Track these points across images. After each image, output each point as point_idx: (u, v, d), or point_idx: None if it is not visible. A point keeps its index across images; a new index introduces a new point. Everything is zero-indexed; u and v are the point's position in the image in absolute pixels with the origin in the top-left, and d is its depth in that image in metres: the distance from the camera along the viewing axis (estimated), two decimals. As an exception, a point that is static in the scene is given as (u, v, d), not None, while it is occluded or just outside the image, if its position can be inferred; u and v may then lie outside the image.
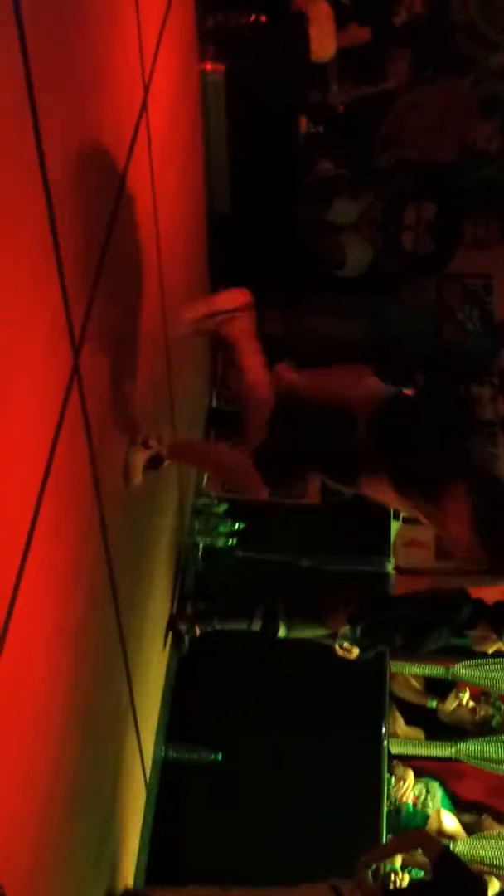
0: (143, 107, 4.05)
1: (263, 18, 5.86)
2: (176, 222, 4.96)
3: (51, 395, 2.92)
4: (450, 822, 5.68)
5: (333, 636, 5.20)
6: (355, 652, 5.18)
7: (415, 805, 5.77)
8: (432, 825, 5.65)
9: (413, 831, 4.91)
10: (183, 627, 5.26)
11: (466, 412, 6.86)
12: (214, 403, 6.54)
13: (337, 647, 5.17)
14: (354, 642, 5.17)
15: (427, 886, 4.43)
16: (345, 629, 5.20)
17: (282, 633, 5.27)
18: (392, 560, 6.24)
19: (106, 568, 3.75)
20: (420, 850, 4.56)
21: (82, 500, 3.36)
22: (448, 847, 4.63)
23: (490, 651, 5.28)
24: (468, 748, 5.82)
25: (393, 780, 5.70)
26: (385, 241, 7.06)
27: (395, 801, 5.79)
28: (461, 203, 7.25)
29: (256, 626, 5.27)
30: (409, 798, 5.76)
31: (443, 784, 5.95)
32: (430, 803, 5.73)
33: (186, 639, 5.28)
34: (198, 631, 5.29)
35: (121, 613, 4.03)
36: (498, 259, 7.68)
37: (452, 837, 5.65)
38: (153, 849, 4.90)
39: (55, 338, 2.92)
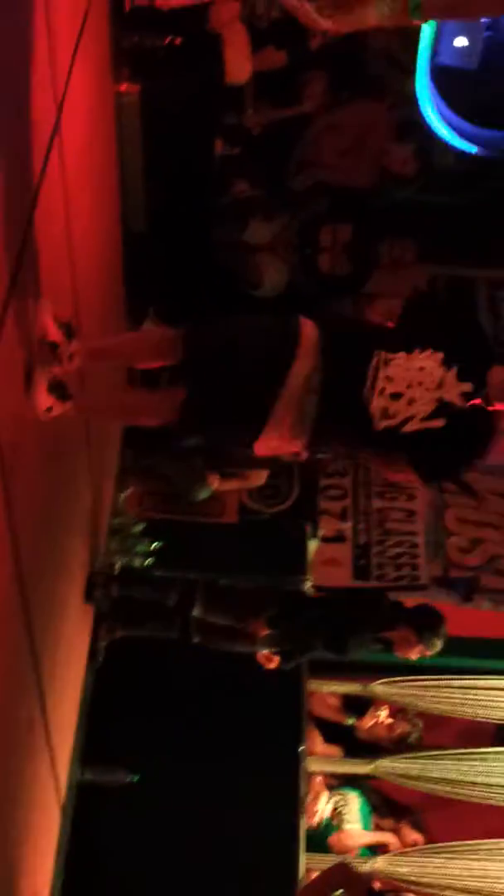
0: (56, 127, 4.05)
1: (179, 40, 5.88)
2: (91, 242, 4.95)
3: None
4: (360, 839, 5.72)
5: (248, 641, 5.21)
6: (276, 661, 5.18)
7: (332, 818, 5.81)
8: (342, 843, 5.70)
9: (336, 868, 4.91)
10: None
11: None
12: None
13: (258, 654, 5.18)
14: (275, 650, 5.16)
15: None
16: (264, 633, 5.20)
17: (196, 611, 5.31)
18: (310, 578, 6.27)
19: (16, 586, 3.72)
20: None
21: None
22: (371, 888, 4.73)
23: (414, 657, 5.29)
24: (386, 765, 5.86)
25: (308, 797, 5.72)
26: (301, 262, 7.12)
27: (318, 818, 5.83)
28: (377, 225, 7.33)
29: (171, 600, 5.34)
30: (325, 813, 5.79)
31: (362, 790, 5.99)
32: (345, 816, 5.77)
33: (102, 645, 5.23)
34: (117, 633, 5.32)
35: (34, 634, 4.00)
36: (414, 280, 7.78)
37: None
38: (68, 873, 4.86)
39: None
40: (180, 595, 5.35)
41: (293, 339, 3.73)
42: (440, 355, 3.64)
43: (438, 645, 5.09)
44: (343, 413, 3.71)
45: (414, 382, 3.61)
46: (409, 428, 3.62)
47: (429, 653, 5.13)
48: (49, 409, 3.65)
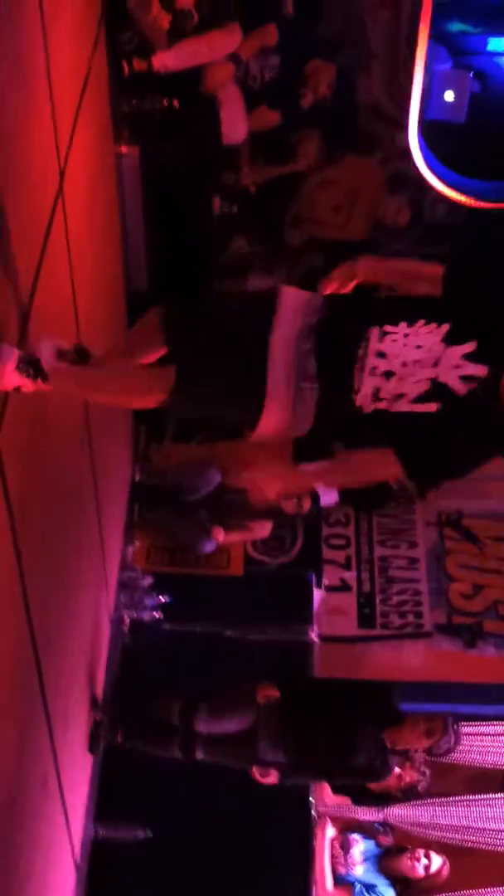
0: (59, 191, 4.15)
1: (176, 103, 6.00)
2: (95, 302, 5.04)
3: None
4: None
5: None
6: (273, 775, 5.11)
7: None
8: None
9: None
10: (102, 733, 5.19)
11: (384, 482, 6.98)
12: (137, 477, 6.59)
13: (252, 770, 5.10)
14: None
15: None
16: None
17: (200, 724, 5.16)
18: (315, 628, 6.31)
19: (30, 643, 3.76)
20: None
21: (4, 577, 3.38)
22: None
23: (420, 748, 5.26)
24: (396, 812, 5.86)
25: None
26: (300, 317, 7.21)
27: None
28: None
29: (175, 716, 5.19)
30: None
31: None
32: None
33: (102, 743, 5.22)
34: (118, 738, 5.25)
35: (47, 694, 4.03)
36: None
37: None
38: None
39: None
40: (182, 709, 5.21)
41: (269, 307, 3.38)
42: (445, 328, 3.21)
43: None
44: (335, 398, 3.28)
45: (409, 360, 3.20)
46: (398, 407, 3.22)
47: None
48: (18, 389, 3.30)
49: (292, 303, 3.46)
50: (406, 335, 3.23)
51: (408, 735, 4.87)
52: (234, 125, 6.51)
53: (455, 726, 5.08)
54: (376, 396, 3.21)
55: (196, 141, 6.18)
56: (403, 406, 3.21)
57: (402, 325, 3.24)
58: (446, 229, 8.10)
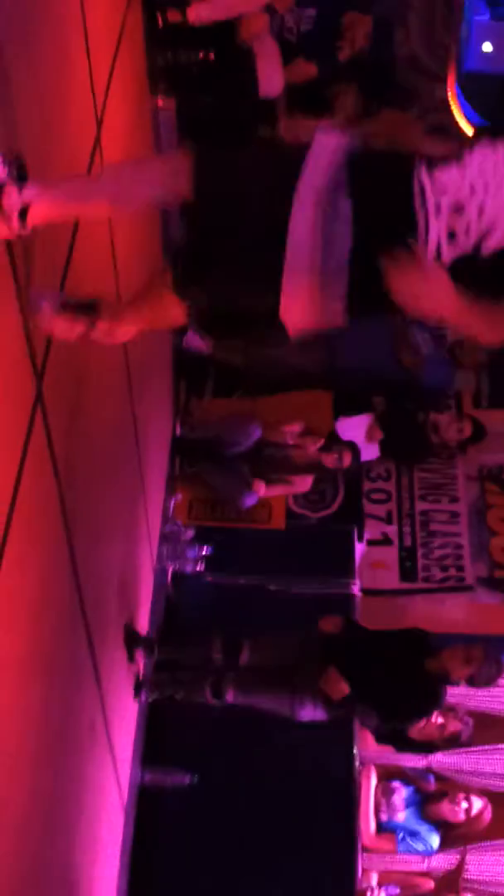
0: (97, 142, 4.16)
1: (212, 55, 5.99)
2: (133, 254, 5.05)
3: (15, 421, 2.99)
4: None
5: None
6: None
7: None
8: None
9: None
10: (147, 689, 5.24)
11: (426, 437, 6.98)
12: (178, 432, 6.63)
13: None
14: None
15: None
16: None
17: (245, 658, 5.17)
18: (357, 581, 6.34)
19: (76, 595, 3.81)
20: None
21: (50, 529, 3.42)
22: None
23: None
24: (440, 759, 5.90)
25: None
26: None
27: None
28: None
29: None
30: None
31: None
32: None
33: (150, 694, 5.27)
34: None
35: (93, 641, 4.09)
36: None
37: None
38: (132, 875, 4.94)
39: (17, 365, 3.00)
40: (224, 643, 5.23)
41: (299, 153, 2.73)
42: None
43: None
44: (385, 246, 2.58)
45: (479, 183, 2.56)
46: (490, 245, 2.56)
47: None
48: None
49: (327, 144, 2.80)
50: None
51: (447, 663, 4.83)
52: (271, 78, 6.49)
53: (498, 656, 5.05)
54: (452, 239, 2.59)
55: (232, 94, 6.17)
56: (497, 240, 2.57)
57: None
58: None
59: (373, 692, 4.85)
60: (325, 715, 4.91)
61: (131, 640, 5.00)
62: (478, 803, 5.88)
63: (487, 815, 5.88)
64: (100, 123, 4.24)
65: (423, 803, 5.94)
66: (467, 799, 5.88)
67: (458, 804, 5.87)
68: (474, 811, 5.86)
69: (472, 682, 4.94)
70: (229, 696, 5.04)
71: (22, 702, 3.09)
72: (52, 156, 3.47)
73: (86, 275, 3.87)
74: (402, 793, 5.90)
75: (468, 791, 5.93)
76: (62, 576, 3.62)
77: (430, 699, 4.95)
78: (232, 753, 5.43)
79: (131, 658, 5.00)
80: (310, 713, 4.91)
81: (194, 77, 5.90)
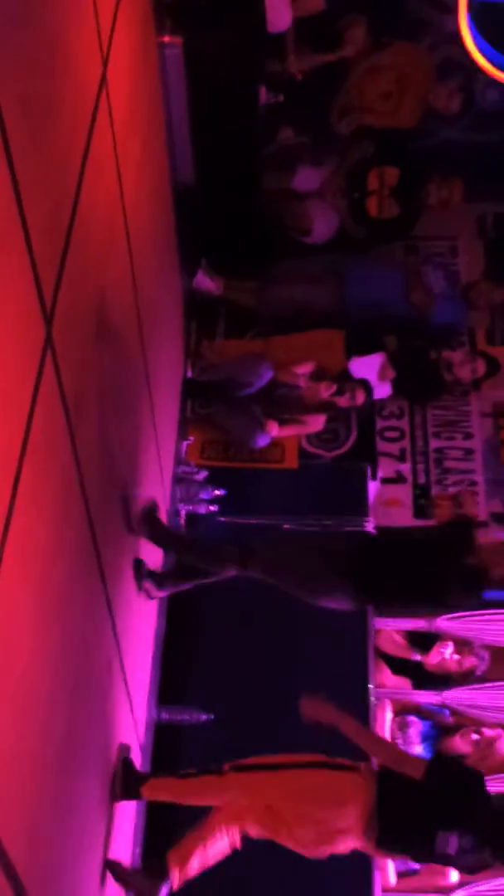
0: (103, 80, 4.11)
1: (218, -10, 5.91)
2: (141, 193, 5.02)
3: (25, 365, 2.99)
4: None
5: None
6: None
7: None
8: None
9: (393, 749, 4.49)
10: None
11: (439, 375, 6.97)
12: (189, 374, 6.62)
13: None
14: None
15: (423, 794, 4.09)
16: None
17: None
18: (371, 519, 6.35)
19: (90, 536, 3.83)
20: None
21: (62, 471, 3.43)
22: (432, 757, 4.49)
23: None
24: (455, 695, 5.95)
25: None
26: (350, 207, 7.15)
27: None
28: (424, 166, 7.33)
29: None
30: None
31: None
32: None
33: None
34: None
35: (106, 580, 4.12)
36: (462, 220, 7.78)
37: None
38: (150, 817, 5.01)
39: (26, 309, 3.00)
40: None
41: None
42: None
43: None
44: None
45: None
46: None
47: None
48: None
49: None
50: None
51: (489, 557, 4.61)
52: (279, 12, 6.41)
53: None
54: None
55: (240, 28, 6.07)
56: None
57: None
58: (498, 115, 7.93)
59: (409, 586, 4.72)
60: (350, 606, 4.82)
61: (140, 572, 4.95)
62: (491, 735, 5.94)
63: (501, 747, 5.94)
64: (105, 61, 4.18)
65: (439, 738, 6.00)
66: (478, 731, 5.94)
67: (469, 736, 5.93)
68: (486, 742, 5.92)
69: None
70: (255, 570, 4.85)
71: (38, 641, 3.12)
72: (59, 94, 3.44)
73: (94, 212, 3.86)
74: (417, 726, 5.96)
75: (482, 724, 5.98)
76: (75, 516, 3.64)
77: (469, 594, 4.73)
78: (246, 692, 5.49)
79: (140, 587, 4.93)
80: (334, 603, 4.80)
81: (202, 12, 5.81)
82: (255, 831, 4.20)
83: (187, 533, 5.54)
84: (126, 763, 4.39)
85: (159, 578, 5.04)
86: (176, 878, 4.17)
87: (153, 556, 5.15)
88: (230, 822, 4.17)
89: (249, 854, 4.30)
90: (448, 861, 4.14)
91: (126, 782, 4.33)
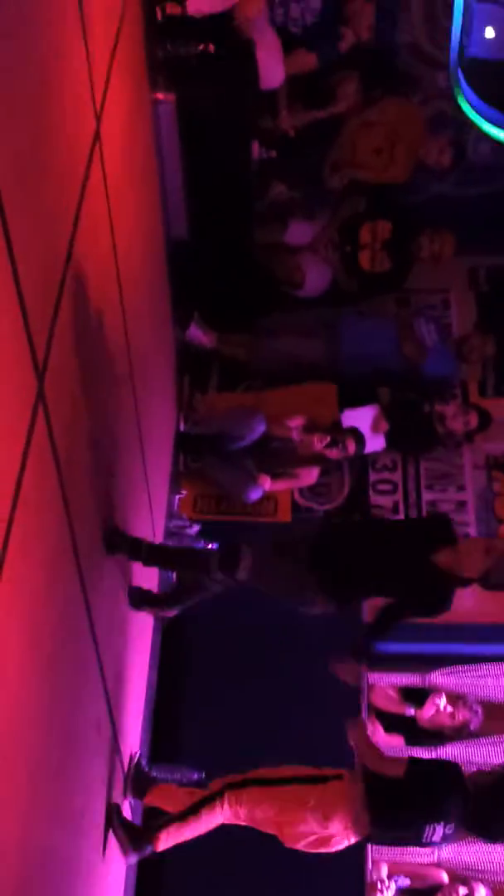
0: (97, 136, 4.14)
1: (212, 47, 5.95)
2: (134, 247, 5.04)
3: (16, 419, 2.97)
4: None
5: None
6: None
7: None
8: None
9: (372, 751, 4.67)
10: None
11: (432, 427, 6.95)
12: (182, 427, 6.61)
13: None
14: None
15: (405, 792, 4.41)
16: None
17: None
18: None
19: (80, 593, 3.80)
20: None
21: (53, 526, 3.41)
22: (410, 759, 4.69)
23: None
24: (449, 752, 5.88)
25: None
26: (342, 261, 7.18)
27: None
28: (416, 219, 7.37)
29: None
30: None
31: None
32: None
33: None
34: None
35: (98, 640, 4.08)
36: (454, 273, 7.82)
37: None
38: (139, 883, 4.94)
39: (18, 363, 2.98)
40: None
41: None
42: None
43: None
44: None
45: None
46: None
47: None
48: None
49: None
50: None
51: (464, 557, 4.51)
52: (272, 69, 6.46)
53: None
54: None
55: (233, 85, 6.13)
56: None
57: None
58: (490, 169, 8.00)
59: (381, 585, 4.67)
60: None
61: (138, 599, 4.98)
62: None
63: None
64: (99, 117, 4.21)
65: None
66: None
67: None
68: None
69: (486, 580, 4.56)
70: (242, 572, 4.71)
71: (26, 698, 3.08)
72: (52, 150, 3.45)
73: (87, 267, 3.86)
74: None
75: None
76: (65, 571, 3.61)
77: (438, 597, 4.62)
78: (239, 753, 5.42)
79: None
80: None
81: (194, 69, 5.86)
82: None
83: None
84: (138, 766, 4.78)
85: (162, 601, 5.08)
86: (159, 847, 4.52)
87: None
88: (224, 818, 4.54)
89: (242, 848, 4.71)
90: (434, 846, 4.64)
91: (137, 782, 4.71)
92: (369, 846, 5.42)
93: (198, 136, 5.97)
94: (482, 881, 5.66)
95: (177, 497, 6.32)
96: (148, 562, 4.85)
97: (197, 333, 6.77)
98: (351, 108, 7.20)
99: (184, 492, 6.42)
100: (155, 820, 4.60)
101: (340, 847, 4.45)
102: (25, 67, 3.11)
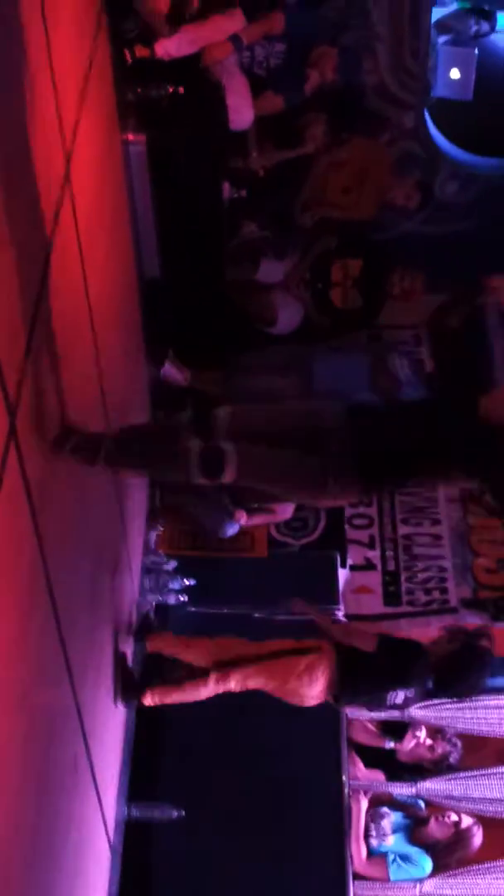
0: (66, 177, 4.19)
1: (181, 89, 6.04)
2: (107, 289, 5.08)
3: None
4: None
5: None
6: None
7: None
8: None
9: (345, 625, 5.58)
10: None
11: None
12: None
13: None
14: None
15: (374, 662, 5.00)
16: None
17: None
18: (341, 607, 6.34)
19: (55, 631, 3.79)
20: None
21: (27, 565, 3.41)
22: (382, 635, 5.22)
23: None
24: (429, 786, 5.88)
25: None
26: (314, 298, 7.26)
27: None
28: (386, 257, 7.47)
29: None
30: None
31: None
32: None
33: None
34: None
35: (74, 678, 4.07)
36: (425, 309, 7.90)
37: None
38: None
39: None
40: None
41: None
42: None
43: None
44: None
45: None
46: None
47: None
48: None
49: None
50: None
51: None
52: (241, 111, 6.56)
53: None
54: None
55: (203, 127, 6.22)
56: None
57: None
58: (456, 208, 8.12)
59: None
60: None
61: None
62: (467, 820, 5.88)
63: (478, 839, 5.87)
64: (68, 160, 4.26)
65: (413, 828, 5.92)
66: (457, 815, 5.88)
67: (447, 818, 5.87)
68: (463, 825, 5.86)
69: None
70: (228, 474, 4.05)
71: (2, 740, 3.07)
72: (21, 192, 3.49)
73: (59, 309, 3.89)
74: (390, 817, 5.88)
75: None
76: (40, 608, 3.60)
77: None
78: (220, 787, 5.42)
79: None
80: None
81: (164, 111, 5.95)
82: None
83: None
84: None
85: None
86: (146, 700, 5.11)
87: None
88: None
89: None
90: (397, 708, 5.16)
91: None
92: (351, 885, 5.42)
93: (169, 176, 6.04)
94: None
95: (153, 533, 6.33)
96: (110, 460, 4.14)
97: (171, 371, 6.81)
98: (319, 149, 7.31)
99: (160, 528, 6.43)
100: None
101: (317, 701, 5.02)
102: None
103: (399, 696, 4.93)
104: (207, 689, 5.07)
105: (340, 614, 6.32)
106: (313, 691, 4.98)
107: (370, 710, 5.45)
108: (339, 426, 3.97)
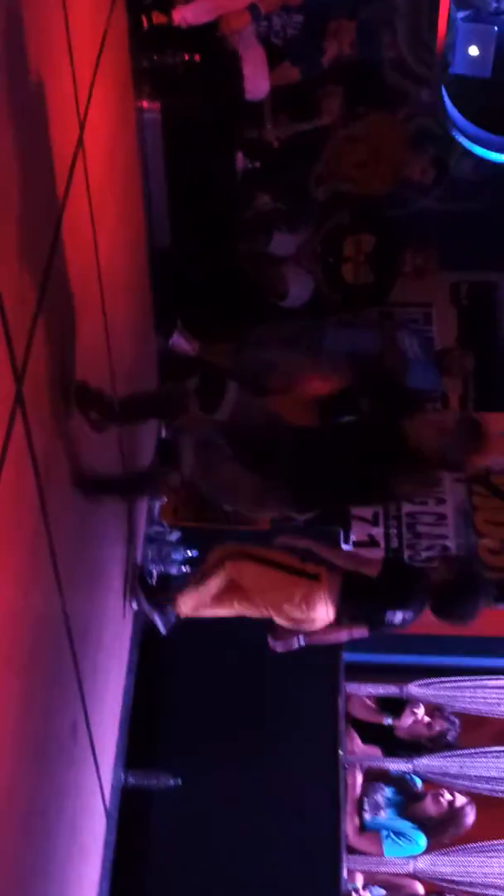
0: (80, 143, 4.16)
1: (197, 57, 6.00)
2: (117, 256, 5.06)
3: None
4: None
5: None
6: None
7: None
8: None
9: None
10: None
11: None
12: (163, 434, 6.61)
13: None
14: None
15: (377, 585, 5.09)
16: None
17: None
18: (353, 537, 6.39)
19: (58, 597, 3.80)
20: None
21: (31, 530, 3.41)
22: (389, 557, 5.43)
23: None
24: (425, 763, 5.89)
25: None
26: (325, 273, 7.22)
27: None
28: (399, 234, 7.42)
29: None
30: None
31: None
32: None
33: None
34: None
35: (74, 642, 4.08)
36: (436, 288, 7.87)
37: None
38: (115, 879, 4.92)
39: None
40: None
41: None
42: None
43: None
44: None
45: None
46: None
47: None
48: None
49: None
50: None
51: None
52: (257, 81, 6.51)
53: None
54: None
55: (218, 96, 6.17)
56: None
57: None
58: (472, 185, 8.06)
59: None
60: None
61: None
62: (461, 798, 5.89)
63: (471, 817, 5.88)
64: (82, 125, 4.24)
65: (406, 803, 5.93)
66: (451, 793, 5.89)
67: (441, 796, 5.88)
68: (457, 803, 5.87)
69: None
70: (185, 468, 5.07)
71: (1, 700, 3.08)
72: (35, 157, 3.47)
73: (69, 276, 3.88)
74: (384, 791, 5.90)
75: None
76: (43, 574, 3.61)
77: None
78: (216, 754, 5.43)
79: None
80: None
81: (179, 79, 5.90)
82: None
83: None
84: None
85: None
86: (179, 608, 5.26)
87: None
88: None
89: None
90: (394, 627, 5.14)
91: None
92: (344, 858, 5.44)
93: (182, 145, 6.01)
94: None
95: (157, 503, 6.32)
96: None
97: (180, 341, 6.79)
98: (335, 122, 7.26)
99: (164, 498, 6.42)
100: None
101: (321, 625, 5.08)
102: (7, 74, 3.13)
103: (398, 617, 5.03)
104: (218, 581, 5.19)
105: (348, 546, 6.37)
106: (312, 615, 5.04)
107: (370, 630, 5.36)
108: (284, 453, 4.66)
